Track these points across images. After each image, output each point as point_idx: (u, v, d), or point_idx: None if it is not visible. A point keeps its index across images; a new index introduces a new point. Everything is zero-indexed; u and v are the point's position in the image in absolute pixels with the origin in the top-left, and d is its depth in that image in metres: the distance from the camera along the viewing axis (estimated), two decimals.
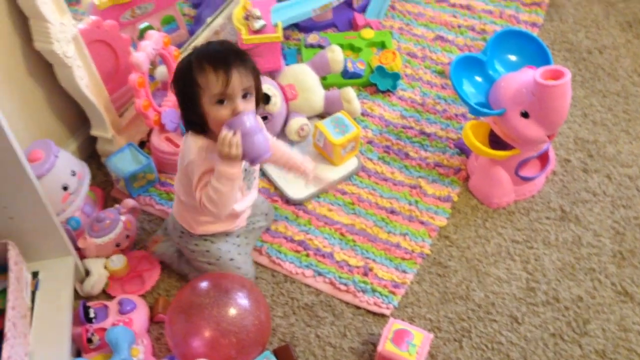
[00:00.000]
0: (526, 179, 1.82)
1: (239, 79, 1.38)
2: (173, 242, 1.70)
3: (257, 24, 1.95)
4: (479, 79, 1.75)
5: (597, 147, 1.97)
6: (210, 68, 1.36)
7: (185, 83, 1.40)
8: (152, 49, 1.81)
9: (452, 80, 1.69)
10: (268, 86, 1.89)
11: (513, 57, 1.78)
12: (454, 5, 2.45)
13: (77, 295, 1.66)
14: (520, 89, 1.64)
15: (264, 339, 1.48)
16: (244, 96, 1.40)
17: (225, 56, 1.38)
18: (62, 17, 1.63)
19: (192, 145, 1.45)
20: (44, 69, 1.73)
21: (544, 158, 1.85)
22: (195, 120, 1.43)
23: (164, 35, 1.87)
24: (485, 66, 1.76)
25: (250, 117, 1.37)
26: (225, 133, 1.36)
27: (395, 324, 1.52)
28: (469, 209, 1.84)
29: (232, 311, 1.43)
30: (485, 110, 1.68)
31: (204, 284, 1.49)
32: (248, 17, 1.96)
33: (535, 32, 2.32)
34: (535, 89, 1.58)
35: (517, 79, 1.68)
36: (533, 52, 1.77)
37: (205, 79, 1.37)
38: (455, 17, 2.40)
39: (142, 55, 1.77)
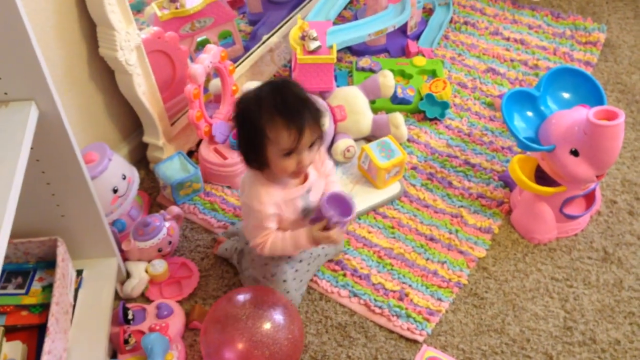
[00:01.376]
0: (570, 217, 1.80)
1: (309, 135, 1.38)
2: (235, 241, 1.74)
3: (313, 45, 1.99)
4: (530, 114, 1.75)
5: None
6: (283, 123, 1.35)
7: (252, 130, 1.38)
8: (210, 62, 1.86)
9: (504, 113, 1.70)
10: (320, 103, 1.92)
11: (566, 95, 1.77)
12: (507, 39, 2.45)
13: (117, 296, 1.71)
14: (572, 127, 1.63)
15: (296, 355, 1.49)
16: (310, 146, 1.41)
17: (298, 111, 1.36)
18: (128, 26, 1.69)
19: (262, 195, 1.46)
20: (106, 75, 1.80)
21: (589, 197, 1.83)
22: (256, 161, 1.44)
23: (221, 49, 1.93)
24: (537, 101, 1.76)
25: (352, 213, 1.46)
26: (335, 233, 1.46)
27: (428, 351, 1.51)
28: (509, 242, 1.83)
29: (267, 325, 1.44)
30: (534, 145, 1.68)
31: (241, 297, 1.51)
32: (304, 37, 2.00)
33: (588, 71, 2.30)
34: (587, 128, 1.58)
35: (569, 117, 1.67)
36: (587, 91, 1.76)
37: (276, 133, 1.36)
38: (508, 50, 2.41)
39: (199, 67, 1.82)
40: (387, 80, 2.03)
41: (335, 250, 1.75)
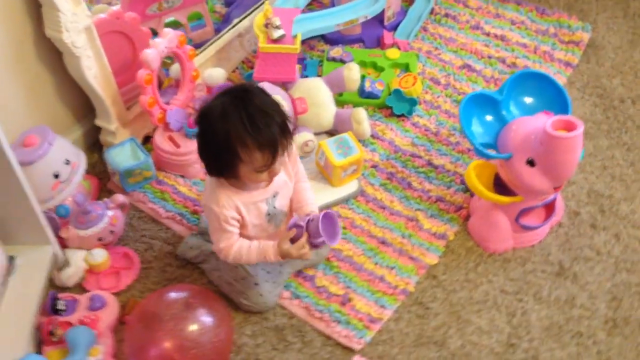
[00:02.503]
0: (527, 228, 1.74)
1: (282, 149, 1.37)
2: (203, 242, 1.70)
3: (276, 34, 1.92)
4: (489, 118, 1.67)
5: (611, 203, 1.87)
6: (256, 146, 1.33)
7: (223, 150, 1.34)
8: (165, 47, 1.80)
9: (461, 116, 1.63)
10: (278, 97, 1.85)
11: (530, 100, 1.70)
12: (488, 35, 2.36)
13: (54, 284, 1.67)
14: (530, 135, 1.56)
15: (221, 358, 1.45)
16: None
17: (269, 128, 1.33)
18: (75, 7, 1.63)
19: (221, 198, 1.43)
20: (55, 56, 1.73)
21: (549, 208, 1.76)
22: (221, 172, 1.41)
23: (179, 34, 1.86)
24: (499, 106, 1.68)
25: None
26: (307, 248, 1.44)
27: None
28: (463, 250, 1.78)
29: (192, 327, 1.41)
30: (489, 152, 1.61)
31: (172, 295, 1.48)
32: (268, 25, 1.93)
33: (568, 72, 2.23)
34: (543, 138, 1.51)
35: (529, 124, 1.60)
36: (552, 97, 1.69)
37: (249, 156, 1.34)
38: (487, 46, 2.32)
39: (153, 52, 1.76)
40: (352, 74, 1.96)
41: (315, 255, 1.66)
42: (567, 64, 2.25)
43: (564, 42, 2.32)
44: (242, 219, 1.47)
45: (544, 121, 1.53)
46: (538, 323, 1.63)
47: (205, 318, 1.43)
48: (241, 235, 1.50)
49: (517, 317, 1.64)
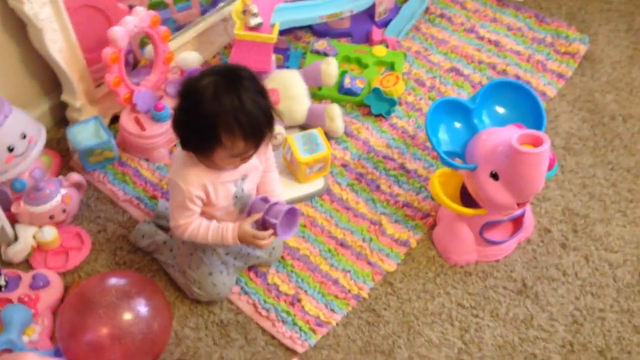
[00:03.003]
0: (491, 242, 1.67)
1: (265, 143, 1.36)
2: (155, 231, 1.67)
3: (253, 21, 1.86)
4: (458, 125, 1.61)
5: (586, 223, 1.80)
6: (242, 137, 1.29)
7: (204, 129, 1.29)
8: (134, 26, 1.75)
9: (427, 122, 1.56)
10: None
11: (502, 110, 1.63)
12: (481, 39, 2.29)
13: (1, 259, 1.64)
14: (497, 147, 1.50)
15: (154, 350, 1.41)
16: None
17: (259, 125, 1.30)
18: None
19: (189, 175, 1.38)
20: (21, 27, 1.69)
21: (517, 223, 1.69)
22: (194, 148, 1.36)
23: (152, 14, 1.81)
24: (470, 114, 1.62)
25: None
26: (267, 239, 1.42)
27: None
28: (424, 259, 1.72)
29: (125, 316, 1.37)
30: (452, 161, 1.55)
31: (109, 281, 1.43)
32: (245, 11, 1.87)
33: (560, 84, 2.15)
34: (508, 152, 1.44)
35: (497, 136, 1.53)
36: (528, 109, 1.63)
37: (232, 142, 1.30)
38: (479, 51, 2.25)
39: (120, 30, 1.72)
40: (330, 69, 1.90)
41: (268, 257, 1.64)
42: (560, 76, 2.17)
43: (560, 52, 2.24)
44: (208, 198, 1.42)
45: (512, 134, 1.46)
46: (491, 340, 1.57)
47: (140, 308, 1.39)
48: (207, 216, 1.46)
49: (470, 332, 1.58)
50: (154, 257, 1.67)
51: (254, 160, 1.45)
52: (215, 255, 1.55)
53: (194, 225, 1.43)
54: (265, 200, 1.45)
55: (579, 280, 1.69)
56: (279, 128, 1.86)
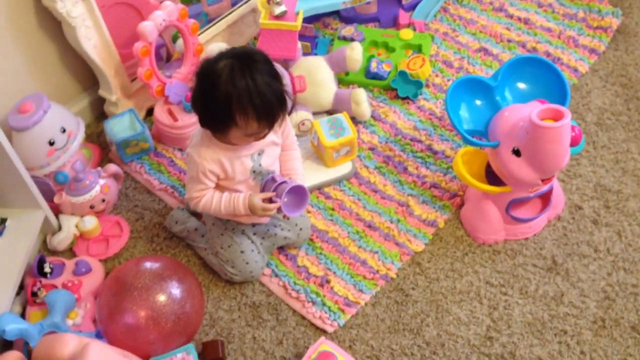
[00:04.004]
0: (518, 220, 1.67)
1: (278, 124, 1.41)
2: (187, 217, 1.73)
3: (277, 10, 1.90)
4: (478, 103, 1.61)
5: (618, 199, 1.77)
6: (255, 118, 1.34)
7: (220, 110, 1.34)
8: (163, 20, 1.81)
9: (447, 101, 1.57)
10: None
11: (525, 87, 1.63)
12: (511, 17, 2.27)
13: (47, 248, 1.73)
14: (517, 124, 1.50)
15: (187, 330, 1.47)
16: None
17: (272, 108, 1.35)
18: None
19: (204, 150, 1.44)
20: (58, 25, 1.77)
21: (545, 200, 1.69)
22: (211, 127, 1.42)
23: (180, 7, 1.87)
24: (492, 92, 1.62)
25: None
26: (272, 209, 1.46)
27: (323, 345, 1.46)
28: (452, 239, 1.73)
29: (159, 298, 1.43)
30: (474, 139, 1.55)
31: (144, 265, 1.50)
32: (270, 1, 1.91)
33: (592, 60, 2.11)
34: (529, 127, 1.44)
35: (519, 112, 1.53)
36: (550, 84, 1.61)
37: (246, 123, 1.34)
38: (508, 29, 2.23)
39: (149, 24, 1.78)
40: (354, 54, 1.92)
41: (296, 238, 1.68)
42: (592, 51, 2.13)
43: (592, 27, 2.20)
44: (225, 173, 1.46)
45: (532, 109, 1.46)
46: (520, 318, 1.57)
47: (173, 290, 1.45)
48: (231, 192, 1.50)
49: (499, 310, 1.59)
50: (188, 244, 1.73)
51: (271, 136, 1.48)
52: (244, 235, 1.60)
53: (207, 196, 1.48)
54: (273, 180, 1.48)
55: (611, 256, 1.67)
56: (306, 114, 1.90)
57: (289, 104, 1.40)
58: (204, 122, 1.41)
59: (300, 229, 1.66)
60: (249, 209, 1.48)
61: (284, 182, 1.47)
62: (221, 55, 1.37)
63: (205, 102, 1.37)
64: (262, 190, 1.51)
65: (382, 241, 1.72)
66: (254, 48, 1.42)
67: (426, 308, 1.60)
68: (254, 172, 1.50)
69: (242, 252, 1.60)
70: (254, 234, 1.62)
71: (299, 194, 1.47)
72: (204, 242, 1.68)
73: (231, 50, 1.40)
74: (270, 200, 1.47)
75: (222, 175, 1.48)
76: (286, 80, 1.86)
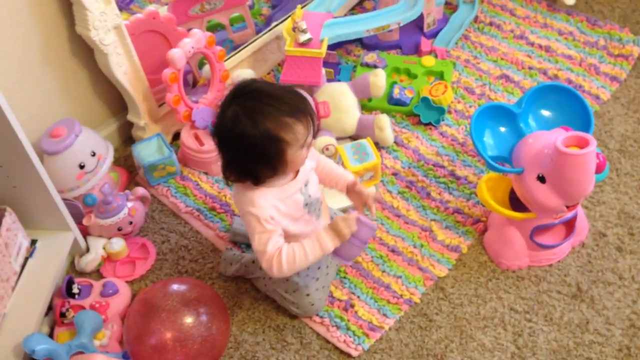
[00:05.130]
0: (543, 247, 1.67)
1: (314, 117, 1.38)
2: (240, 255, 1.70)
3: (302, 37, 1.94)
4: (503, 129, 1.63)
5: None
6: (295, 120, 1.32)
7: (265, 145, 1.31)
8: (191, 47, 1.86)
9: (472, 128, 1.59)
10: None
11: (549, 114, 1.64)
12: (532, 44, 2.29)
13: (75, 269, 1.76)
14: (542, 150, 1.51)
15: (213, 353, 1.49)
16: None
17: (298, 103, 1.34)
18: (105, 6, 1.70)
19: (256, 199, 1.38)
20: (90, 52, 1.82)
21: (570, 226, 1.69)
22: (266, 173, 1.36)
23: (208, 35, 1.91)
24: (516, 119, 1.63)
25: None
26: (354, 215, 1.39)
27: None
28: (475, 265, 1.73)
29: (186, 320, 1.45)
30: (498, 166, 1.57)
31: (171, 287, 1.52)
32: (295, 28, 1.95)
33: (614, 87, 2.13)
34: (554, 154, 1.45)
35: (544, 139, 1.55)
36: (575, 112, 1.63)
37: (293, 133, 1.32)
38: (529, 57, 2.25)
39: (178, 52, 1.82)
40: (378, 80, 1.95)
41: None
42: (614, 79, 2.15)
43: (613, 55, 2.22)
44: (282, 214, 1.42)
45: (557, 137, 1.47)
46: (545, 345, 1.57)
47: (199, 312, 1.47)
48: (292, 240, 1.44)
49: (523, 337, 1.59)
50: (212, 266, 1.75)
51: (309, 163, 1.48)
52: (308, 277, 1.58)
53: (285, 252, 1.39)
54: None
55: (636, 283, 1.67)
56: (330, 139, 1.93)
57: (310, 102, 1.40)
58: (250, 176, 1.37)
59: None
60: (333, 231, 1.40)
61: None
62: (224, 108, 1.35)
63: (242, 154, 1.33)
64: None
65: (405, 266, 1.73)
66: (235, 86, 1.40)
67: (450, 334, 1.61)
68: (307, 204, 1.48)
69: (307, 294, 1.59)
70: (318, 267, 1.60)
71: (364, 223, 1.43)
72: (262, 272, 1.62)
73: (227, 97, 1.37)
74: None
75: (281, 219, 1.42)
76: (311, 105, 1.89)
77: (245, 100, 1.34)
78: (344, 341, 1.59)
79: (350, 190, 1.57)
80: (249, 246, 1.74)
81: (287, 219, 1.44)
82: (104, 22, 1.71)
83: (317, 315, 1.64)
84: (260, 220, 1.38)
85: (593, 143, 1.42)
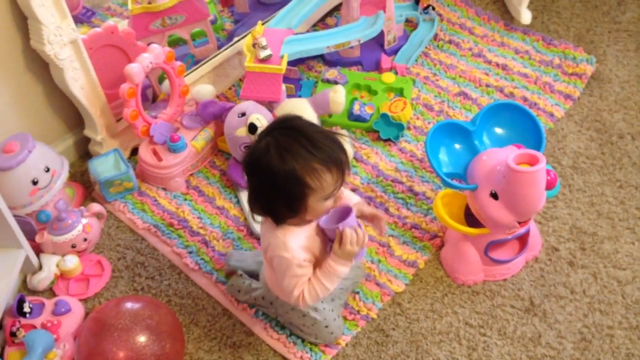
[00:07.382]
0: (497, 261, 1.70)
1: (347, 170, 1.34)
2: (249, 285, 1.66)
3: (262, 54, 1.95)
4: (458, 146, 1.65)
5: (593, 241, 1.81)
6: (325, 169, 1.28)
7: (290, 185, 1.28)
8: (150, 62, 1.85)
9: (427, 145, 1.61)
10: (258, 116, 1.87)
11: (502, 131, 1.68)
12: (489, 62, 2.34)
13: (27, 287, 1.73)
14: (495, 167, 1.54)
15: None
16: None
17: (334, 152, 1.30)
18: (61, 21, 1.69)
19: (289, 242, 1.35)
20: (45, 67, 1.80)
21: (523, 241, 1.72)
22: (285, 213, 1.34)
23: (167, 50, 1.91)
24: (471, 136, 1.66)
25: (353, 214, 1.36)
26: (351, 233, 1.33)
27: None
28: (432, 280, 1.75)
29: (139, 339, 1.43)
30: (454, 183, 1.59)
31: (124, 306, 1.50)
32: (255, 45, 1.96)
33: (567, 105, 2.18)
34: (505, 172, 1.48)
35: (496, 156, 1.57)
36: (527, 130, 1.66)
37: (320, 181, 1.28)
38: (487, 75, 2.29)
39: (136, 67, 1.81)
40: (337, 97, 1.96)
41: (355, 278, 1.67)
42: (568, 97, 2.20)
43: (567, 73, 2.27)
44: (312, 253, 1.40)
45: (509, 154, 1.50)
46: (499, 359, 1.59)
47: (153, 331, 1.45)
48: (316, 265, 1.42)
49: (478, 351, 1.61)
50: (169, 284, 1.74)
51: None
52: (325, 309, 1.57)
53: (308, 288, 1.39)
54: (322, 228, 1.41)
55: (587, 297, 1.70)
56: None
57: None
58: (277, 213, 1.34)
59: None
60: (342, 257, 1.37)
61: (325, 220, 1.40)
62: (262, 138, 1.32)
63: (269, 188, 1.31)
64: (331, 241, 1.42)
65: (363, 282, 1.73)
66: (289, 115, 1.38)
67: (406, 349, 1.62)
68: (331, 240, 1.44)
69: (326, 326, 1.58)
70: (332, 299, 1.60)
71: (340, 214, 1.40)
72: (273, 310, 1.63)
73: (268, 128, 1.35)
74: (341, 239, 1.36)
75: (312, 258, 1.40)
76: (268, 122, 1.89)
77: (282, 135, 1.31)
78: (301, 357, 1.59)
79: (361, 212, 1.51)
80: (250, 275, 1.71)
81: (318, 253, 1.42)
82: (59, 37, 1.69)
83: (274, 331, 1.63)
84: (294, 266, 1.37)
85: (543, 161, 1.45)
